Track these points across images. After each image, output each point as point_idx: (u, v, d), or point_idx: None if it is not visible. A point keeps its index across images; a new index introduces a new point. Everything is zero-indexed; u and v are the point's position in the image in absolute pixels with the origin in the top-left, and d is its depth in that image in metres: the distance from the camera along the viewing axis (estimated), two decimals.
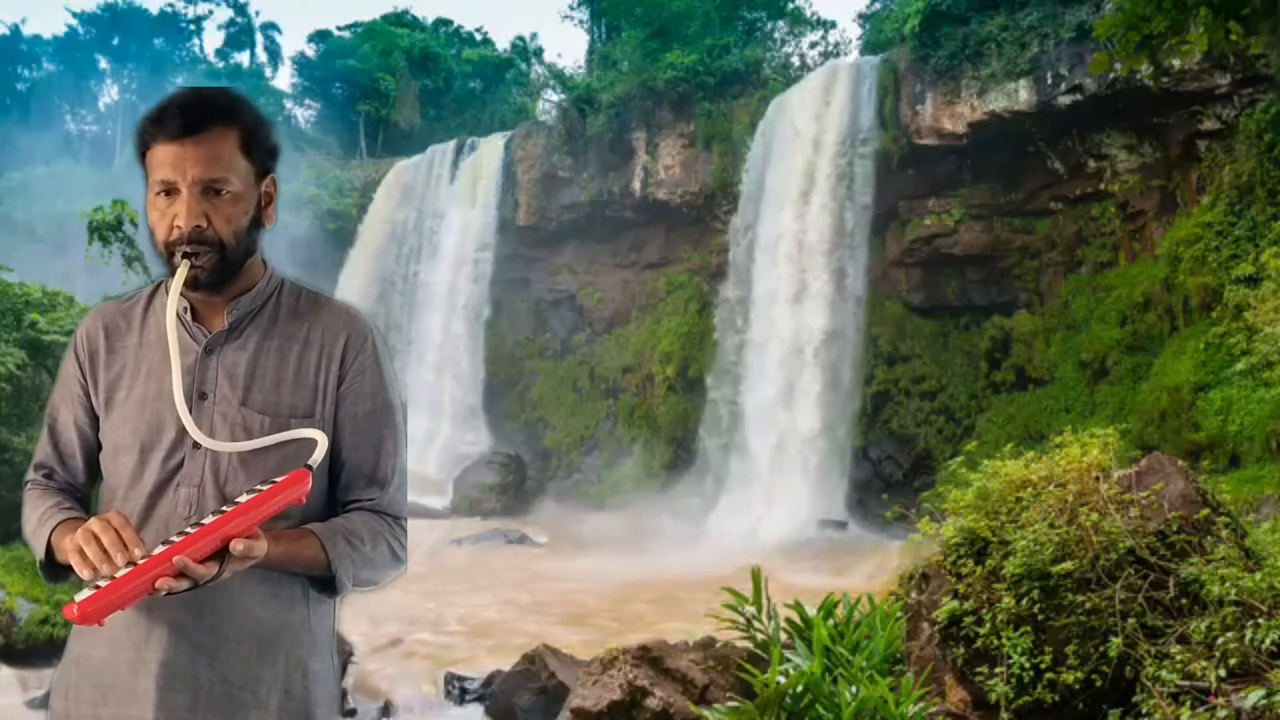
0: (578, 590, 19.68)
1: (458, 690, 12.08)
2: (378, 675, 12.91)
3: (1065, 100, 25.56)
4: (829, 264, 28.18)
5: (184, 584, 1.81)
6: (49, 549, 2.03)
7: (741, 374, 28.97)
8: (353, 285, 38.76)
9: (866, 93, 29.01)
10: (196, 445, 2.04)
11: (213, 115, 2.01)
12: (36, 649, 13.59)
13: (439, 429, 35.67)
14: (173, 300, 2.02)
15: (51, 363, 18.26)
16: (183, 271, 2.01)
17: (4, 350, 17.39)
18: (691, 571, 19.80)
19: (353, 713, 11.47)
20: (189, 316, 2.11)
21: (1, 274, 19.25)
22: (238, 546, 1.82)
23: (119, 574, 1.79)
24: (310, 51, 53.92)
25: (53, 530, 2.04)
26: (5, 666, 13.38)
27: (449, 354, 36.96)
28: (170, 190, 2.01)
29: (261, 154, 2.08)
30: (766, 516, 25.84)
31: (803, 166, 28.84)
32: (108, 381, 2.14)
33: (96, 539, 1.84)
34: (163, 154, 2.00)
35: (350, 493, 2.16)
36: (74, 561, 1.86)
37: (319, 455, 1.99)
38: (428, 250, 38.34)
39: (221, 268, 2.05)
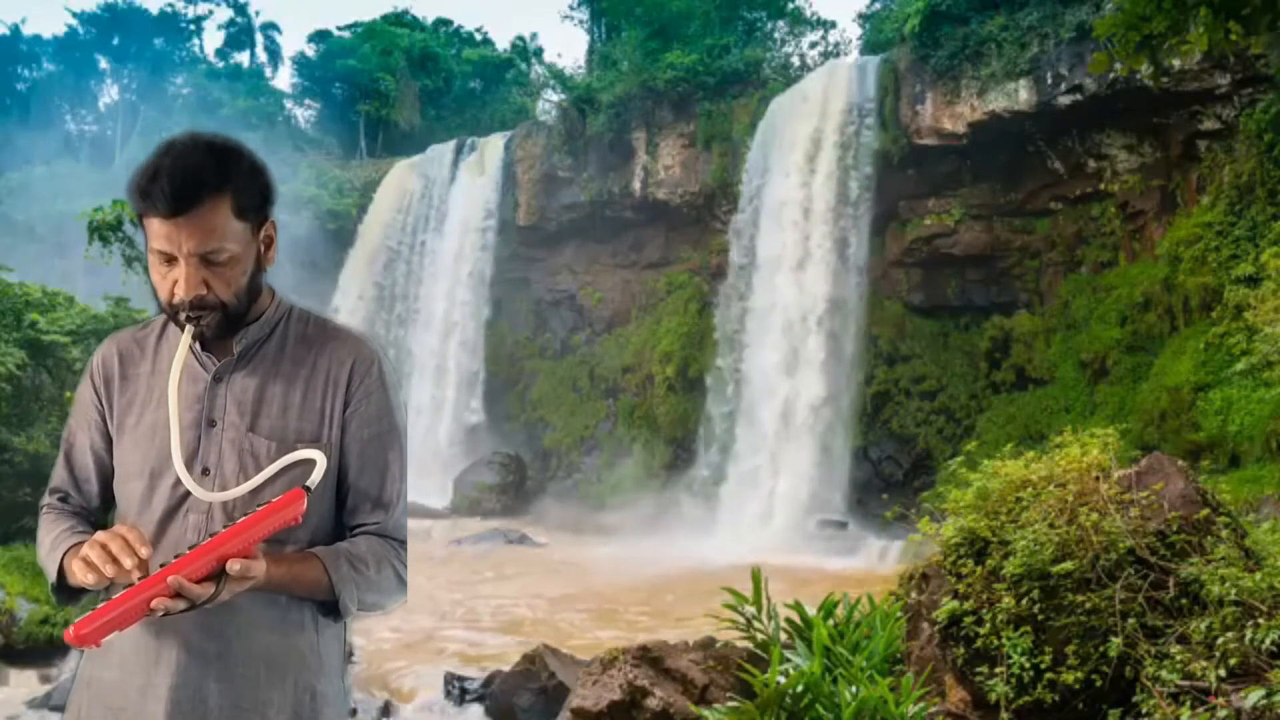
0: (577, 591, 19.66)
1: (458, 690, 12.06)
2: (377, 675, 12.91)
3: (1065, 100, 25.55)
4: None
5: (181, 604, 1.81)
6: (61, 572, 2.03)
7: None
8: (352, 286, 38.74)
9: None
10: (206, 471, 2.06)
11: (202, 190, 1.95)
12: (36, 649, 13.58)
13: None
14: (178, 363, 2.04)
15: (51, 363, 18.22)
16: (188, 335, 2.04)
17: (4, 350, 17.38)
18: (694, 572, 19.79)
19: (353, 713, 11.46)
20: (198, 345, 2.11)
21: (1, 274, 19.26)
22: (234, 566, 1.83)
23: (116, 594, 1.79)
24: (310, 51, 53.91)
25: (65, 553, 2.03)
26: (5, 667, 13.36)
27: (446, 365, 37.07)
28: (169, 259, 2.00)
29: (256, 209, 2.06)
30: (773, 489, 26.20)
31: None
32: (120, 408, 2.15)
33: (103, 546, 1.84)
34: (156, 226, 1.97)
35: (356, 516, 2.17)
36: (76, 569, 1.86)
37: (317, 476, 1.99)
38: (427, 251, 38.30)
39: (226, 323, 2.07)
